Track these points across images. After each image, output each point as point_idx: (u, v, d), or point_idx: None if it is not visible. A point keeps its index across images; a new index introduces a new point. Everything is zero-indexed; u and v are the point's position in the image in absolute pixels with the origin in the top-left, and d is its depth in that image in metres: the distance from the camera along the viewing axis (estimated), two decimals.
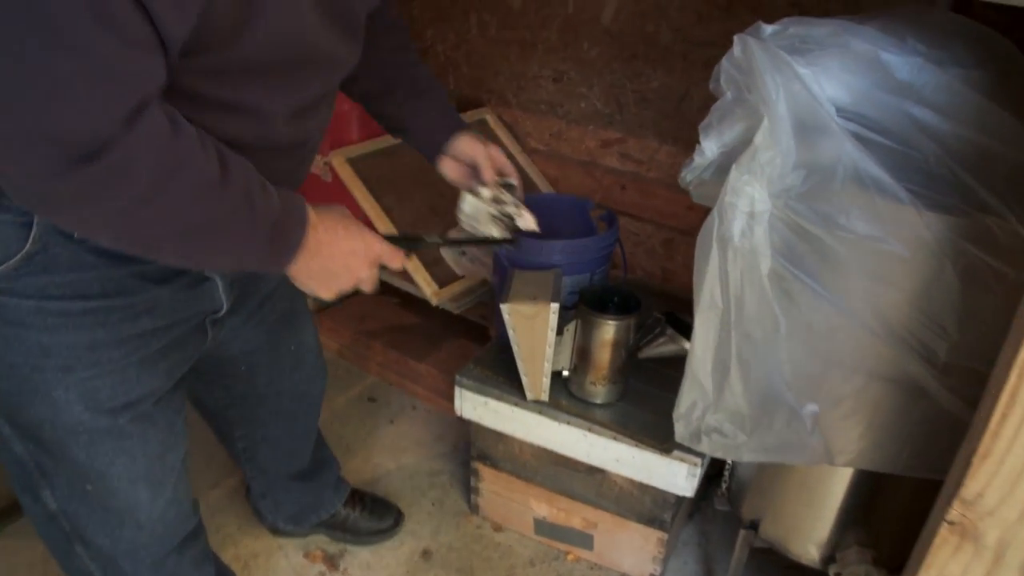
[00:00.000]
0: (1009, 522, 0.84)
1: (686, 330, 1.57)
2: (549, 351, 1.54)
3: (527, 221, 1.34)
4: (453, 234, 1.35)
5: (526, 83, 2.24)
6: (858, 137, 1.03)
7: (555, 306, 1.48)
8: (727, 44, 1.84)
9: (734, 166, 1.04)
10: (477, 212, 1.36)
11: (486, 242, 1.37)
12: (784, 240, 1.07)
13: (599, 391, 1.61)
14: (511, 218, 1.35)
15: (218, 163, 0.84)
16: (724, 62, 1.13)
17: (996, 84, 1.03)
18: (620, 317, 1.53)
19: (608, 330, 1.54)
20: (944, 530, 0.87)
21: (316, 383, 1.62)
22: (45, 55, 0.67)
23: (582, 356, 1.60)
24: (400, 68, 1.31)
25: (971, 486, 0.83)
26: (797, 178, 1.04)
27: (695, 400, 1.18)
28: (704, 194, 1.19)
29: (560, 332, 1.55)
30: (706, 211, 1.26)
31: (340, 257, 1.01)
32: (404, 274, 1.97)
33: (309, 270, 0.99)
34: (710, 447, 1.19)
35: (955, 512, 0.86)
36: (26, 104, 0.69)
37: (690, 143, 2.03)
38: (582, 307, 1.56)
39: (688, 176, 1.19)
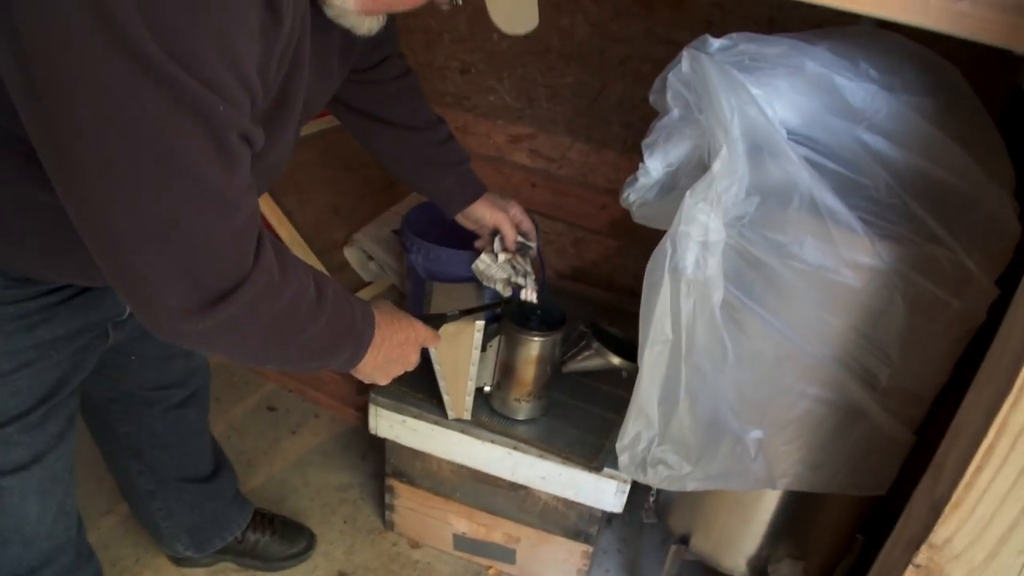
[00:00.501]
0: (975, 564, 0.83)
1: (611, 343, 1.53)
2: (473, 369, 1.47)
3: (529, 294, 1.48)
4: (463, 303, 1.45)
5: (431, 74, 2.12)
6: (809, 162, 1.00)
7: (480, 324, 1.41)
8: (645, 41, 1.82)
9: (688, 193, 0.99)
10: (490, 272, 1.50)
11: (499, 305, 1.48)
12: (735, 269, 1.03)
13: (523, 407, 1.55)
14: (518, 287, 1.48)
15: (315, 283, 0.92)
16: (671, 76, 1.07)
17: (944, 113, 1.02)
18: (546, 333, 1.47)
19: (534, 347, 1.47)
20: (910, 573, 0.86)
21: (201, 375, 1.55)
22: (190, 206, 0.73)
23: (505, 372, 1.53)
24: (416, 134, 1.39)
25: (940, 532, 0.82)
26: (750, 205, 1.01)
27: (640, 431, 1.14)
28: (647, 215, 1.14)
29: (483, 348, 1.47)
30: (621, 212, 1.22)
31: (397, 347, 1.12)
32: None
33: (375, 363, 1.09)
34: (655, 479, 1.16)
35: (923, 556, 0.84)
36: (175, 252, 0.74)
37: (604, 141, 2.01)
38: (506, 323, 1.49)
39: (631, 196, 1.13)
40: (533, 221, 1.53)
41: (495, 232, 1.48)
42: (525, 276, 1.48)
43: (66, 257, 0.96)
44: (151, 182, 0.70)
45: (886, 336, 1.05)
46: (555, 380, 1.56)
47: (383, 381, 1.16)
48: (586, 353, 1.53)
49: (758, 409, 1.10)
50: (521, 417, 1.57)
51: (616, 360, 1.49)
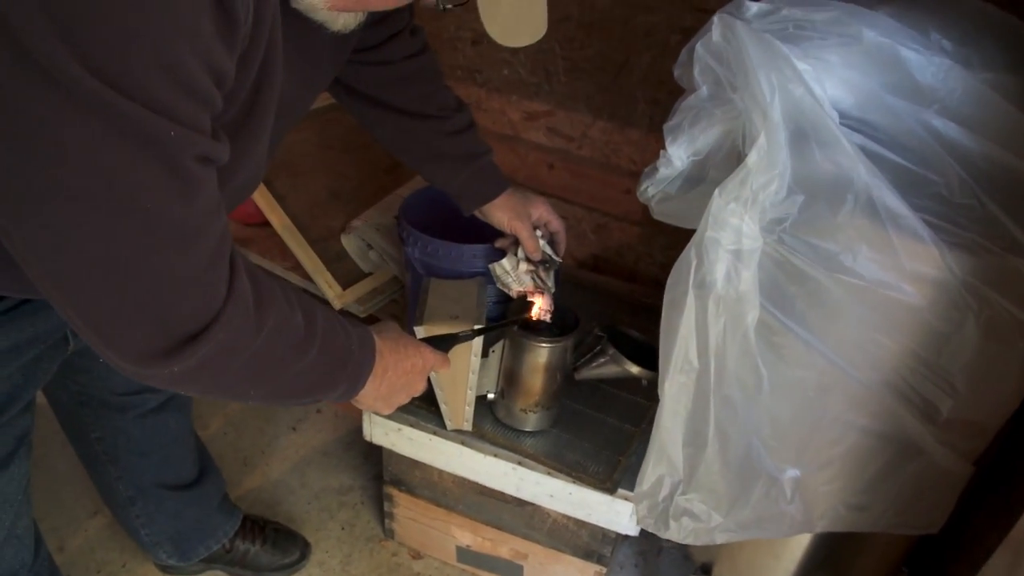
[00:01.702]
0: None
1: (630, 347, 1.36)
2: (473, 378, 1.31)
3: (542, 313, 1.33)
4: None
5: (441, 45, 1.95)
6: (866, 153, 0.82)
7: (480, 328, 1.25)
8: (674, 8, 1.63)
9: (718, 191, 0.82)
10: (506, 279, 1.37)
11: (513, 323, 1.33)
12: (773, 283, 0.86)
13: (530, 418, 1.40)
14: (530, 301, 1.35)
15: (302, 313, 0.83)
16: (699, 47, 0.90)
17: None
18: (555, 340, 1.31)
19: (541, 354, 1.31)
20: None
21: None
22: (142, 244, 0.64)
23: (510, 380, 1.37)
24: (425, 123, 1.25)
25: None
26: (792, 206, 0.83)
27: (662, 476, 0.98)
28: (669, 211, 0.97)
29: (485, 354, 1.32)
30: None
31: (401, 376, 1.04)
32: (303, 271, 1.69)
33: (377, 394, 1.01)
34: (679, 533, 1.00)
35: None
36: (136, 294, 0.67)
37: (628, 120, 1.83)
38: (510, 327, 1.33)
39: (650, 189, 0.96)
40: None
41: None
42: (541, 291, 1.34)
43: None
44: (96, 222, 0.61)
45: (951, 363, 0.88)
46: (567, 387, 1.41)
47: (386, 411, 1.08)
48: (601, 360, 1.37)
49: (796, 445, 0.93)
50: (528, 428, 1.41)
51: (635, 369, 1.32)
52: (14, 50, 0.53)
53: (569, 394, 1.45)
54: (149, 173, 0.61)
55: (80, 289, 0.66)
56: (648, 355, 1.34)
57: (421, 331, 1.24)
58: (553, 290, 1.35)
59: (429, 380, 1.30)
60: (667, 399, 0.94)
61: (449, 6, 0.75)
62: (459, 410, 1.37)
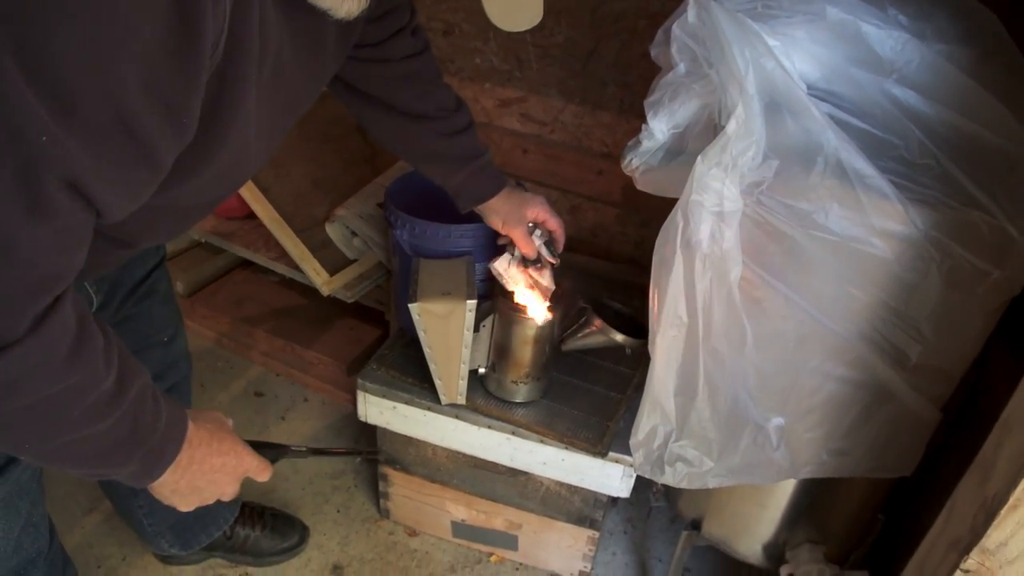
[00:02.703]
0: None
1: (613, 318, 1.43)
2: (465, 352, 1.37)
3: (536, 314, 1.37)
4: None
5: None
6: (833, 120, 0.90)
7: (471, 303, 1.31)
8: None
9: (700, 157, 0.89)
10: (500, 278, 1.40)
11: (345, 453, 1.38)
12: (753, 241, 0.93)
13: (521, 389, 1.46)
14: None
15: (116, 379, 0.75)
16: (675, 28, 0.96)
17: (982, 63, 0.91)
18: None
19: (530, 326, 1.37)
20: None
21: (181, 368, 1.43)
22: None
23: (501, 353, 1.43)
24: (420, 124, 1.25)
25: (995, 536, 0.74)
26: (768, 170, 0.90)
27: (655, 426, 1.05)
28: (652, 182, 1.04)
29: (476, 329, 1.37)
30: (619, 177, 1.11)
31: (208, 473, 0.93)
32: (288, 260, 1.73)
33: (175, 485, 0.91)
34: (674, 478, 1.07)
35: (972, 561, 0.76)
36: None
37: (599, 103, 1.89)
38: (500, 301, 1.39)
39: (634, 161, 1.03)
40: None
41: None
42: (530, 300, 1.38)
43: None
44: None
45: (918, 311, 0.96)
46: (554, 359, 1.47)
47: (183, 508, 0.95)
48: (587, 330, 1.43)
49: (780, 395, 1.01)
50: (519, 400, 1.48)
51: (619, 337, 1.39)
52: None
53: (557, 366, 1.51)
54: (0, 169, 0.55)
55: None
56: (631, 325, 1.41)
57: (415, 308, 1.30)
58: (550, 289, 1.39)
59: (420, 350, 1.35)
60: (659, 352, 1.00)
61: None
62: (453, 384, 1.42)
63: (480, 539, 1.71)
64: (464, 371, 1.40)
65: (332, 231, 1.76)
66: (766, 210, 0.90)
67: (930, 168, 0.90)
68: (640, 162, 1.02)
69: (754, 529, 1.31)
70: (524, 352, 1.41)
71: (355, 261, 1.78)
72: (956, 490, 0.83)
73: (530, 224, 1.35)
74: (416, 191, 1.53)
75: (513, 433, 1.44)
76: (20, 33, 0.50)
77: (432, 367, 1.40)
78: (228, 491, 0.98)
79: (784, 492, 1.24)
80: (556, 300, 1.40)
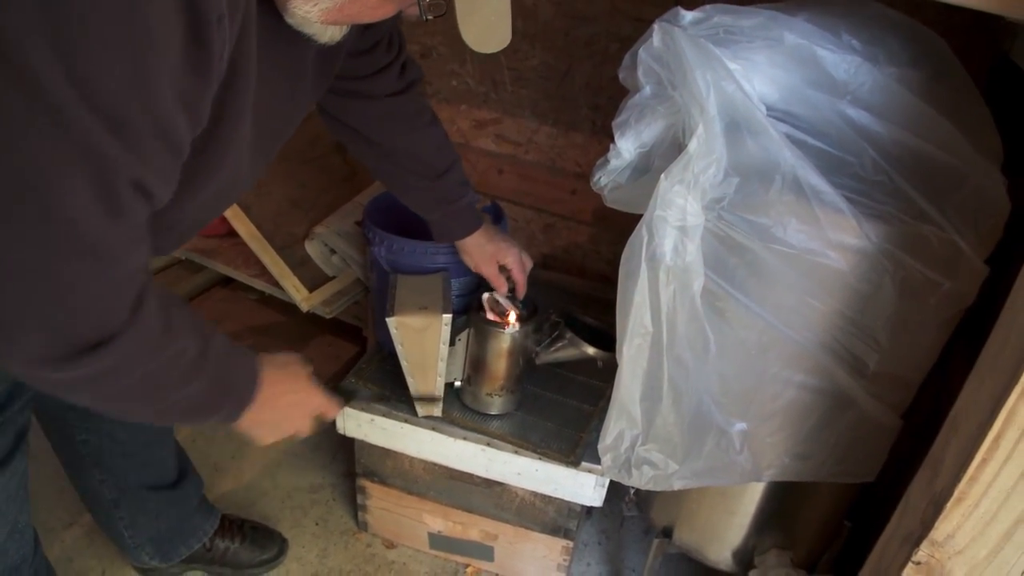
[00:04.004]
0: (977, 560, 0.80)
1: (586, 332, 1.47)
2: (442, 365, 1.40)
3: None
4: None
5: None
6: (790, 139, 0.95)
7: (447, 317, 1.34)
8: (612, 20, 1.75)
9: (664, 175, 0.93)
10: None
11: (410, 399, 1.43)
12: (715, 254, 0.98)
13: (495, 402, 1.49)
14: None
15: (201, 341, 0.85)
16: (641, 52, 1.01)
17: (931, 84, 0.97)
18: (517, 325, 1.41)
19: (505, 339, 1.41)
20: (910, 570, 0.82)
21: None
22: (60, 254, 0.66)
23: (476, 366, 1.47)
24: (399, 164, 1.31)
25: (942, 528, 0.78)
26: (729, 186, 0.95)
27: (622, 430, 1.09)
28: (620, 199, 1.08)
29: (452, 343, 1.41)
30: (591, 196, 1.16)
31: (283, 409, 1.05)
32: (268, 277, 1.76)
33: (255, 421, 1.00)
34: (640, 480, 1.11)
35: (923, 552, 0.80)
36: (39, 298, 0.68)
37: (572, 124, 1.94)
38: (475, 315, 1.42)
39: (602, 179, 1.07)
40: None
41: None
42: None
43: None
44: (13, 223, 0.63)
45: (874, 320, 1.01)
46: (528, 372, 1.51)
47: (266, 440, 1.06)
48: (560, 344, 1.47)
49: (742, 400, 1.05)
50: (494, 412, 1.51)
51: (591, 350, 1.43)
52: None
53: (530, 379, 1.55)
54: (80, 185, 0.63)
55: None
56: (602, 338, 1.45)
57: (392, 322, 1.33)
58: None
59: (401, 367, 1.39)
60: (625, 360, 1.05)
61: (430, 17, 0.83)
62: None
63: (457, 550, 1.73)
64: (440, 384, 1.44)
65: (311, 248, 1.79)
66: (727, 224, 0.95)
67: (883, 184, 0.95)
68: (608, 180, 1.07)
69: (723, 535, 1.35)
70: (499, 365, 1.44)
71: (334, 278, 1.81)
72: (910, 487, 0.87)
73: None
74: (394, 209, 1.57)
75: (488, 444, 1.47)
76: (77, 66, 0.58)
77: (409, 380, 1.43)
78: (300, 425, 1.10)
79: (752, 499, 1.28)
80: (529, 314, 1.44)
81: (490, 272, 1.42)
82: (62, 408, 1.37)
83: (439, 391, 1.45)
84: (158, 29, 0.60)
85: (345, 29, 0.88)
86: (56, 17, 0.56)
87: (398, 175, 1.33)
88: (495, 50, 0.88)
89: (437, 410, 1.48)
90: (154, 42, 0.61)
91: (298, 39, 0.85)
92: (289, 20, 0.82)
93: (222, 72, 0.72)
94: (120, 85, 0.60)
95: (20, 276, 0.66)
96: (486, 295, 1.46)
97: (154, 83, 0.63)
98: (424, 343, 1.37)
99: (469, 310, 1.46)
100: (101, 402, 0.82)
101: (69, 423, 1.40)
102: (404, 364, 1.41)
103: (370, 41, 1.14)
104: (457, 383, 1.51)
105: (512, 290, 1.47)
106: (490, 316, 1.43)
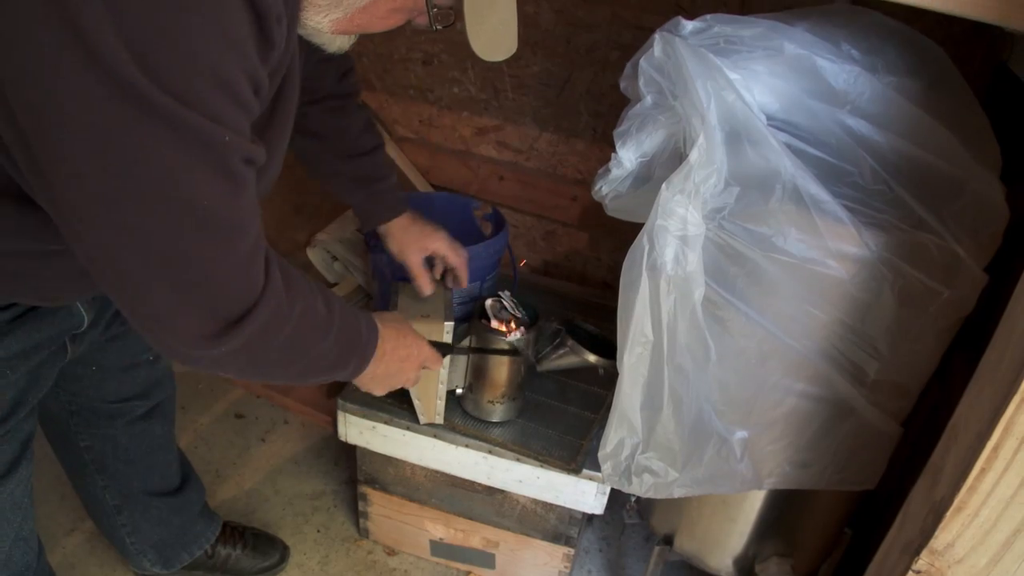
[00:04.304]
0: (977, 569, 0.80)
1: (587, 339, 1.47)
2: (443, 372, 1.41)
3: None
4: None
5: (392, 66, 2.05)
6: (790, 149, 0.95)
7: (449, 325, 1.35)
8: (613, 27, 1.76)
9: (665, 185, 0.94)
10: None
11: (509, 352, 1.42)
12: (716, 263, 0.98)
13: (497, 409, 1.50)
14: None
15: (321, 297, 0.92)
16: (642, 62, 1.02)
17: (929, 93, 0.97)
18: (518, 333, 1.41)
19: (506, 347, 1.41)
20: None
21: (166, 387, 1.48)
22: (202, 239, 0.72)
23: (478, 374, 1.47)
24: (320, 143, 1.31)
25: (942, 537, 0.78)
26: (730, 196, 0.96)
27: (622, 438, 1.09)
28: (622, 208, 1.09)
29: None
30: (592, 203, 1.17)
31: (397, 362, 1.12)
32: None
33: (374, 375, 1.09)
34: (640, 487, 1.11)
35: (923, 561, 0.80)
36: (189, 285, 0.74)
37: (573, 131, 1.95)
38: (476, 323, 1.43)
39: (604, 188, 1.08)
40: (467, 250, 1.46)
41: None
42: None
43: (14, 280, 0.93)
44: (158, 221, 0.69)
45: (874, 329, 1.01)
46: (530, 380, 1.51)
47: (379, 392, 1.15)
48: (561, 351, 1.47)
49: (743, 409, 1.05)
50: (495, 419, 1.51)
51: (592, 358, 1.43)
52: (97, 72, 0.61)
53: (532, 387, 1.55)
54: (205, 174, 0.69)
55: (140, 282, 0.73)
56: (603, 346, 1.45)
57: None
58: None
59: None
60: (626, 369, 1.05)
61: (439, 27, 0.84)
62: (431, 404, 1.46)
63: (458, 557, 1.74)
64: (442, 391, 1.44)
65: (313, 255, 1.80)
66: (728, 234, 0.95)
67: (882, 193, 0.96)
68: (609, 189, 1.07)
69: (724, 543, 1.35)
70: (500, 373, 1.45)
71: (335, 284, 1.81)
72: (910, 495, 0.87)
73: (429, 255, 1.41)
74: None
75: (490, 452, 1.48)
76: (178, 80, 0.64)
77: (411, 389, 1.44)
78: (411, 377, 1.18)
79: (753, 506, 1.29)
80: (530, 321, 1.45)
81: (414, 261, 1.39)
82: (66, 413, 1.37)
83: (441, 399, 1.45)
84: (235, 31, 0.67)
85: (353, 39, 0.90)
86: (137, 33, 0.61)
87: (320, 157, 1.34)
88: (502, 58, 0.90)
89: (439, 417, 1.48)
90: (234, 42, 0.67)
91: (302, 46, 0.88)
92: (300, 31, 0.85)
93: (282, 68, 0.80)
94: (208, 85, 0.66)
95: (169, 269, 0.73)
96: (488, 301, 1.46)
97: (235, 78, 0.68)
98: None
99: (471, 318, 1.46)
100: (253, 369, 0.89)
101: (72, 429, 1.40)
102: None
103: None
104: (459, 390, 1.52)
105: (444, 276, 1.46)
106: (492, 324, 1.43)
